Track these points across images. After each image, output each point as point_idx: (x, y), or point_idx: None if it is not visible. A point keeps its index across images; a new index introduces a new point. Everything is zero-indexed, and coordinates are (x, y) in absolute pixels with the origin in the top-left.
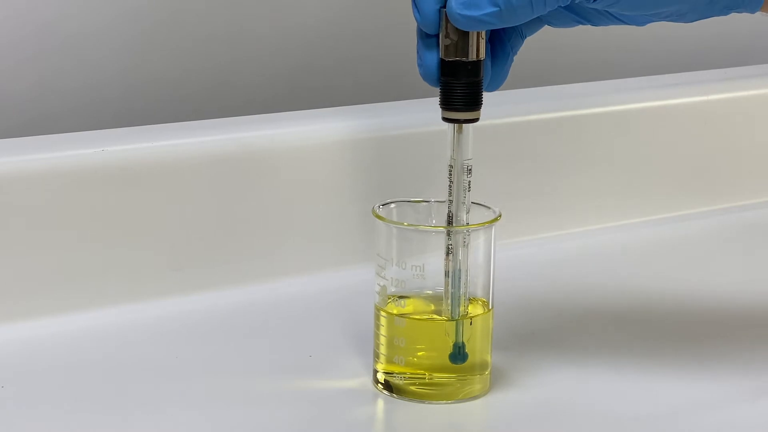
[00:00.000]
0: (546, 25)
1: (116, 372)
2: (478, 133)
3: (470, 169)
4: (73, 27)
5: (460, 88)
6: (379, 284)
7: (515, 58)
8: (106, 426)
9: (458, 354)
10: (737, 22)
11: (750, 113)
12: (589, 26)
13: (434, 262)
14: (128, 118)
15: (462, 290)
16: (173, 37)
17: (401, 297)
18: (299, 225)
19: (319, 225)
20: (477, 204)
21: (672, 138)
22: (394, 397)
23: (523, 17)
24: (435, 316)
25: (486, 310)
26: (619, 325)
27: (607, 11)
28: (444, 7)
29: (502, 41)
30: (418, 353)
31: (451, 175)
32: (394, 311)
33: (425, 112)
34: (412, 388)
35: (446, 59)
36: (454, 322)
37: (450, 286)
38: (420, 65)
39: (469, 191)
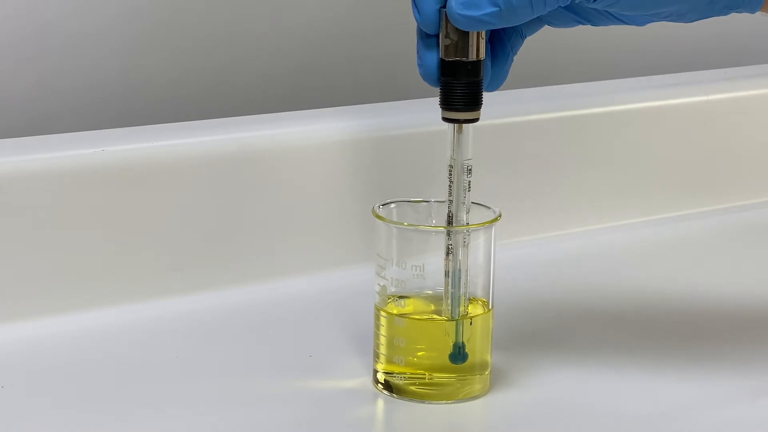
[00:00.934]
0: (546, 25)
1: (116, 372)
2: (478, 133)
3: (470, 169)
4: (73, 27)
5: (460, 88)
6: (379, 284)
7: (515, 58)
8: (106, 426)
9: (458, 354)
10: (737, 22)
11: (750, 113)
12: (589, 26)
13: (434, 262)
14: (128, 118)
15: (462, 290)
16: (173, 37)
17: (401, 297)
18: (299, 225)
19: (319, 225)
20: (477, 204)
21: (672, 138)
22: (394, 397)
23: (523, 17)
24: (435, 316)
25: (486, 310)
26: (619, 325)
27: (607, 11)
28: (444, 7)
29: (502, 41)
30: (418, 353)
31: (451, 175)
32: (394, 311)
33: (425, 112)
34: (412, 388)
35: (446, 59)
36: (454, 322)
37: (450, 286)
38: (420, 65)
39: (469, 191)
